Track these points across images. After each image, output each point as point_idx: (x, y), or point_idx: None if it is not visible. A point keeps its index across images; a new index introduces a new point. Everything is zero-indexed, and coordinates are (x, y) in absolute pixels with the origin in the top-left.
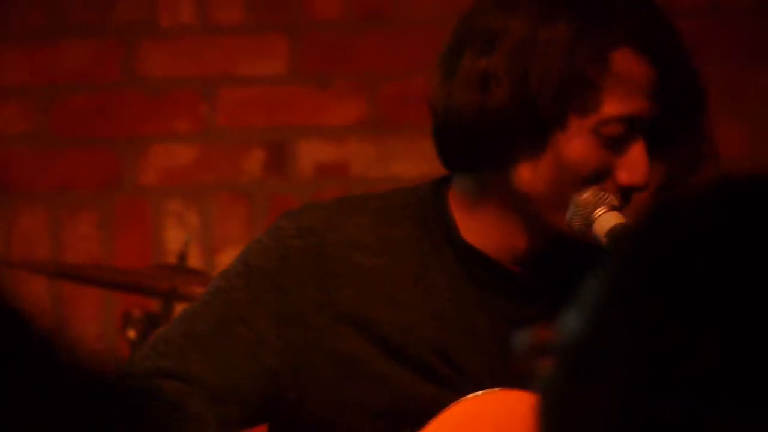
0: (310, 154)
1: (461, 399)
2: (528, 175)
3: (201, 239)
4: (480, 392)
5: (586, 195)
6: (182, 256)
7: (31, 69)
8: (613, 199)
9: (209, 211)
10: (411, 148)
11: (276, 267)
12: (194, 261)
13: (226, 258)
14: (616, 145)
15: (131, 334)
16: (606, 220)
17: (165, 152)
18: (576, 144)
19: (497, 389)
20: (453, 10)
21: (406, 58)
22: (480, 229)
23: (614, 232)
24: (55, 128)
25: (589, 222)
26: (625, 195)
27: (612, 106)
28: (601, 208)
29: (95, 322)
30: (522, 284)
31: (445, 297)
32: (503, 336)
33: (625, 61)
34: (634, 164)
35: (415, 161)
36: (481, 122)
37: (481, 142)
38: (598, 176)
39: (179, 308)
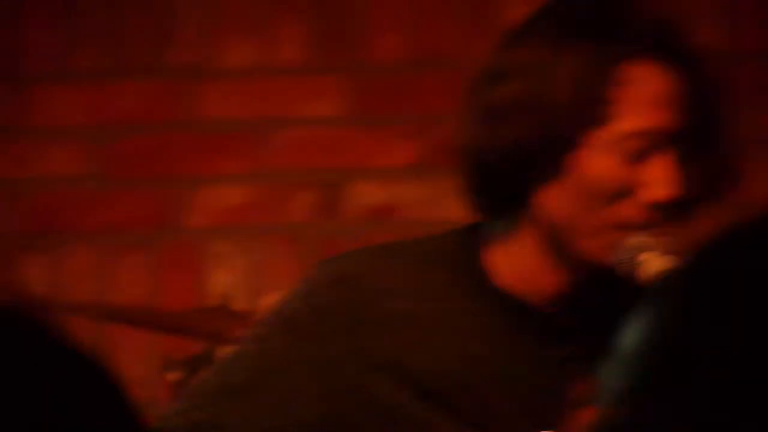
0: (361, 196)
1: None
2: (554, 200)
3: (247, 282)
4: None
5: (636, 238)
6: (226, 299)
7: (87, 109)
8: (664, 243)
9: (257, 254)
10: (461, 192)
11: (310, 317)
12: (240, 304)
13: (271, 300)
14: (640, 159)
15: (172, 377)
16: (655, 263)
17: (214, 193)
18: (597, 161)
19: None
20: None
21: (460, 102)
22: (513, 271)
23: (661, 277)
24: (107, 169)
25: (636, 265)
26: (661, 212)
27: (630, 120)
28: (651, 252)
29: (137, 366)
30: (557, 325)
31: (480, 342)
32: (539, 379)
33: (639, 73)
34: (658, 179)
35: (464, 205)
36: (498, 154)
37: (501, 177)
38: (623, 193)
39: (222, 351)
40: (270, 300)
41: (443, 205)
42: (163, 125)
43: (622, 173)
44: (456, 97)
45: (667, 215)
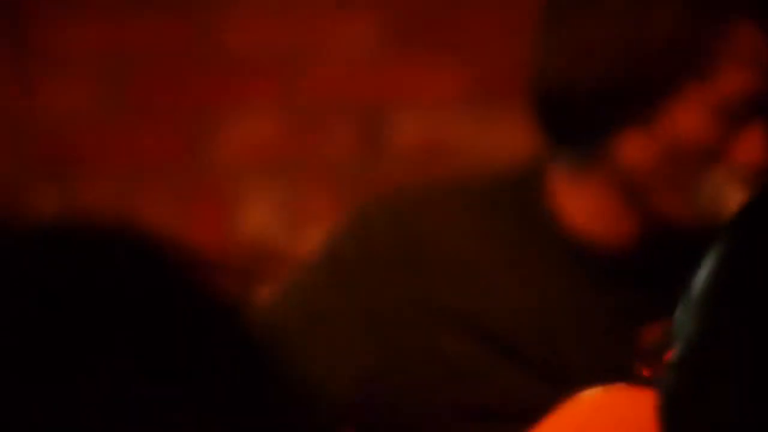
0: (406, 127)
1: (576, 394)
2: (637, 148)
3: (282, 221)
4: (597, 388)
5: (720, 173)
6: (261, 236)
7: (100, 36)
8: (746, 177)
9: (293, 188)
10: (519, 121)
11: (363, 258)
12: (275, 242)
13: (314, 233)
14: (734, 120)
15: None
16: (736, 197)
17: (247, 124)
18: (692, 116)
19: (615, 385)
20: None
21: (512, 27)
22: (582, 214)
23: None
24: (126, 98)
25: (720, 203)
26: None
27: (733, 78)
28: (737, 186)
29: None
30: (629, 271)
31: (548, 286)
32: (611, 325)
33: (748, 34)
34: (751, 144)
35: (523, 135)
36: (589, 85)
37: (588, 107)
38: (713, 154)
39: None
40: (310, 240)
41: (498, 140)
42: (185, 52)
43: (715, 134)
44: (507, 19)
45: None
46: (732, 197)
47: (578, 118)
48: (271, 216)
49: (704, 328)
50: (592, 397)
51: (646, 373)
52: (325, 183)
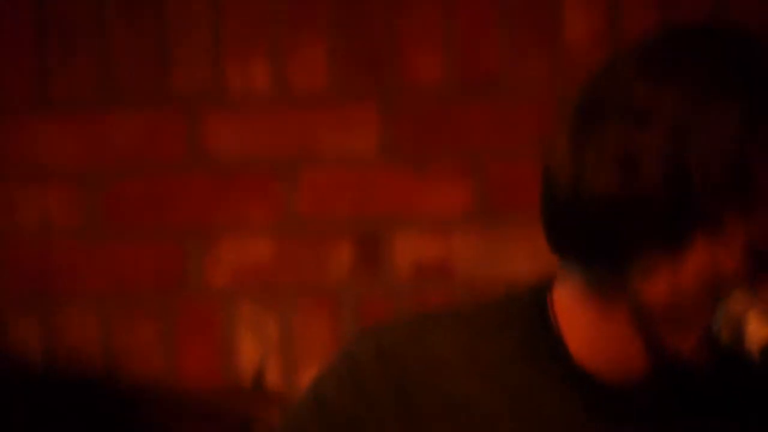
0: (407, 249)
1: None
2: (662, 282)
3: (279, 351)
4: None
5: (739, 301)
6: (259, 375)
7: (78, 146)
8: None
9: (289, 318)
10: (526, 242)
11: (352, 401)
12: (272, 377)
13: (309, 376)
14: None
15: None
16: (762, 331)
17: (236, 247)
18: (729, 251)
19: None
20: (575, 75)
21: (515, 133)
22: (590, 342)
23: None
24: (107, 216)
25: (741, 332)
26: None
27: None
28: (756, 317)
29: None
30: (643, 409)
31: (551, 426)
32: None
33: None
34: None
35: (531, 257)
36: (622, 206)
37: (616, 229)
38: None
39: None
40: (309, 374)
41: (504, 258)
42: (169, 165)
43: (751, 273)
44: (511, 130)
45: None
46: (756, 329)
47: (603, 240)
48: (266, 352)
49: None
50: None
51: None
52: (322, 310)
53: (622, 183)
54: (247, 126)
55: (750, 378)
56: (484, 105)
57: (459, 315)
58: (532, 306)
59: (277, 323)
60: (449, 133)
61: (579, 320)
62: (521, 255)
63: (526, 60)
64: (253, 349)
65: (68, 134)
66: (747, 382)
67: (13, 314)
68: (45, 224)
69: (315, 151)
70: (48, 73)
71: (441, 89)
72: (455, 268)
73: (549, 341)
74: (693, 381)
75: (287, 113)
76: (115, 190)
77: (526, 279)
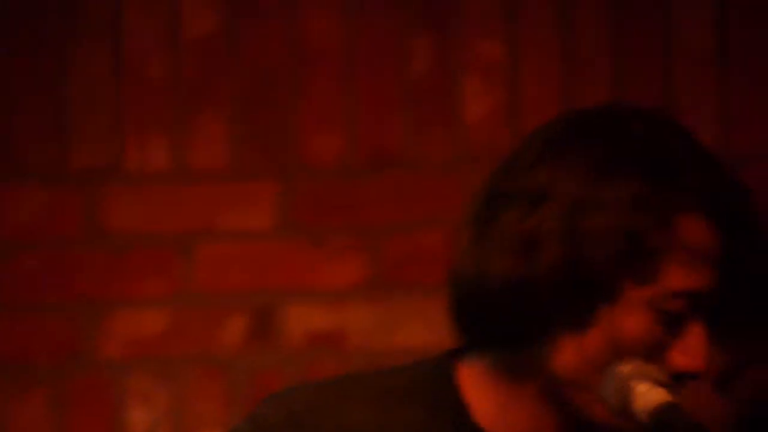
0: (301, 321)
1: None
2: (570, 354)
3: (171, 421)
4: None
5: (627, 368)
6: None
7: None
8: (658, 373)
9: (181, 388)
10: (420, 314)
11: None
12: None
13: None
14: (673, 322)
15: None
16: (650, 397)
17: (131, 319)
18: (631, 319)
19: None
20: (467, 154)
21: (413, 209)
22: (499, 415)
23: (661, 413)
24: (2, 290)
25: (628, 399)
26: (677, 380)
27: (675, 278)
28: (645, 383)
29: None
30: None
31: None
32: None
33: (692, 229)
34: (692, 347)
35: (424, 329)
36: (523, 290)
37: (518, 313)
38: (650, 356)
39: None
40: None
41: (398, 330)
42: (66, 240)
43: (653, 336)
44: (409, 204)
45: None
46: (645, 398)
47: (508, 324)
48: (159, 418)
49: None
50: None
51: None
52: (215, 381)
53: (522, 266)
54: (145, 202)
55: None
56: (382, 182)
57: (366, 383)
58: (439, 377)
59: (168, 394)
60: (346, 209)
61: (487, 394)
62: (414, 327)
63: (426, 138)
64: (144, 420)
65: None
66: None
67: None
68: None
69: (212, 226)
70: None
71: (340, 167)
72: (348, 340)
73: (457, 413)
74: None
75: (185, 189)
76: (12, 264)
77: (420, 350)
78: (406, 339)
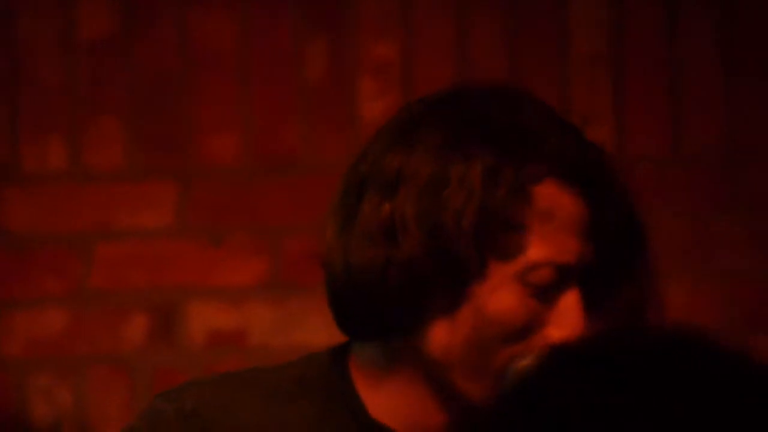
0: (202, 319)
1: None
2: (443, 336)
3: (74, 420)
4: None
5: (526, 361)
6: None
7: None
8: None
9: (83, 387)
10: (319, 313)
11: None
12: None
13: None
14: (545, 294)
15: None
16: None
17: (30, 319)
18: (499, 295)
19: None
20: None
21: (312, 210)
22: (389, 403)
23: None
24: None
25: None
26: None
27: (539, 249)
28: (527, 359)
29: None
30: None
31: None
32: None
33: (551, 197)
34: (566, 317)
35: (324, 327)
36: (388, 278)
37: (388, 302)
38: (525, 332)
39: None
40: None
41: (297, 328)
42: None
43: (525, 311)
44: (307, 205)
45: None
46: (520, 367)
47: (380, 312)
48: (61, 417)
49: None
50: None
51: None
52: (117, 380)
53: (383, 254)
54: (42, 202)
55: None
56: (281, 183)
57: (259, 377)
58: (331, 369)
59: (71, 393)
60: (246, 210)
61: (375, 385)
62: (314, 325)
63: (322, 140)
64: (47, 418)
65: None
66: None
67: None
68: None
69: (110, 226)
70: None
71: (238, 168)
72: (250, 338)
73: (349, 403)
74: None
75: (82, 190)
76: None
77: (321, 348)
78: (307, 337)
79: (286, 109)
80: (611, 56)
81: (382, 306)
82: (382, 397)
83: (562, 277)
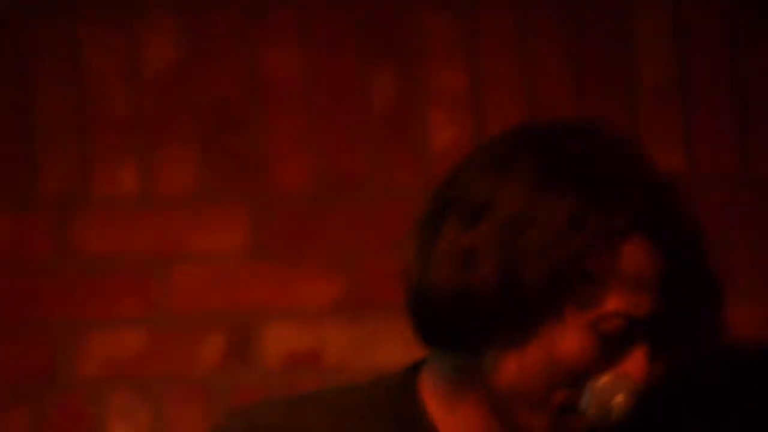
0: (278, 340)
1: None
2: (510, 368)
3: None
4: None
5: (604, 379)
6: None
7: None
8: (632, 384)
9: (161, 408)
10: (394, 332)
11: None
12: None
13: None
14: (614, 342)
15: None
16: (628, 407)
17: (107, 339)
18: (571, 339)
19: None
20: (435, 178)
21: (384, 231)
22: (456, 421)
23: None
24: None
25: (608, 410)
26: None
27: (615, 301)
28: (621, 393)
29: None
30: None
31: None
32: None
33: (635, 254)
34: (632, 369)
35: (399, 347)
36: (463, 302)
37: (461, 323)
38: (589, 376)
39: None
40: None
41: (374, 348)
42: (40, 263)
43: (595, 354)
44: (378, 227)
45: None
46: (619, 403)
47: (451, 332)
48: None
49: None
50: None
51: None
52: (194, 400)
53: (459, 277)
54: (116, 225)
55: None
56: (351, 206)
57: (330, 398)
58: (402, 389)
59: (149, 413)
60: (318, 233)
61: (445, 402)
62: (389, 345)
63: (392, 165)
64: None
65: None
66: None
67: None
68: None
69: (185, 249)
70: None
71: (308, 193)
72: (325, 358)
73: (418, 423)
74: None
75: (155, 215)
76: None
77: (394, 367)
78: (383, 358)
79: (354, 137)
80: (678, 84)
81: (453, 326)
82: (452, 416)
83: (633, 328)
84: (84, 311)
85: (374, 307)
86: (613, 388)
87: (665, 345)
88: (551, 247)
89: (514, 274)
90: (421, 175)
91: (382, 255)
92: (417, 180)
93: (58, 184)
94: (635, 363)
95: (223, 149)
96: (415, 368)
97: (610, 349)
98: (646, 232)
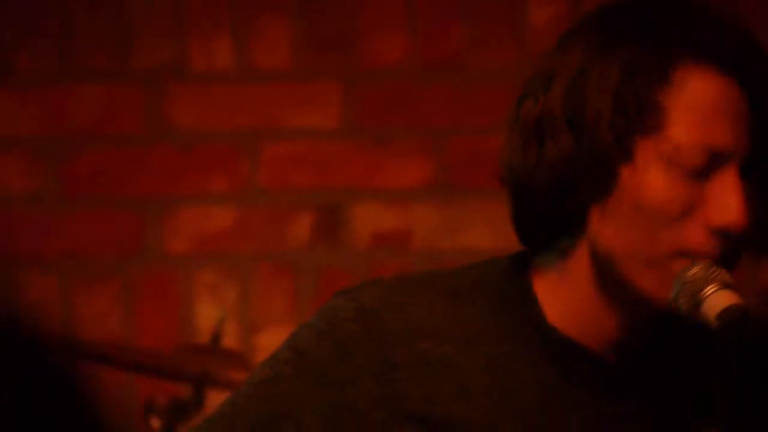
0: (366, 220)
1: None
2: (604, 227)
3: (238, 316)
4: None
5: (695, 270)
6: (216, 336)
7: (38, 118)
8: (725, 275)
9: (248, 285)
10: (484, 215)
11: (330, 355)
12: (230, 341)
13: (267, 339)
14: (700, 178)
15: (155, 423)
16: (718, 299)
17: (197, 215)
18: (648, 177)
19: None
20: (531, 58)
21: (478, 112)
22: (568, 310)
23: (728, 315)
24: (66, 186)
25: (697, 301)
26: (723, 242)
27: (681, 129)
28: (713, 285)
29: (114, 410)
30: (617, 377)
31: (527, 390)
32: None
33: (694, 79)
34: (724, 201)
35: (488, 230)
36: (542, 173)
37: (548, 198)
38: (684, 213)
39: (211, 395)
40: (267, 337)
41: (462, 230)
42: (130, 136)
43: (681, 190)
44: (471, 108)
45: (734, 248)
46: (713, 300)
47: (545, 207)
48: (224, 315)
49: None
50: None
51: None
52: (281, 279)
53: (534, 151)
54: (208, 100)
55: (709, 344)
56: (445, 86)
57: (437, 280)
58: (511, 275)
59: (235, 289)
60: (410, 111)
61: (553, 287)
62: (478, 227)
63: (488, 44)
64: (211, 313)
65: (30, 106)
66: (707, 348)
67: None
68: (6, 192)
69: (276, 125)
70: (10, 47)
71: (402, 70)
72: (413, 240)
73: (526, 308)
74: (669, 334)
75: (249, 89)
76: (75, 160)
77: (483, 252)
78: (470, 240)
79: (452, 13)
80: None
81: (547, 203)
82: (561, 303)
83: (716, 161)
84: (174, 187)
85: (464, 189)
86: (704, 279)
87: (759, 190)
88: (610, 88)
89: (582, 124)
90: (518, 52)
91: (474, 137)
92: (513, 58)
93: (152, 56)
94: (725, 191)
95: (318, 24)
96: (525, 255)
97: (695, 183)
98: (704, 57)
